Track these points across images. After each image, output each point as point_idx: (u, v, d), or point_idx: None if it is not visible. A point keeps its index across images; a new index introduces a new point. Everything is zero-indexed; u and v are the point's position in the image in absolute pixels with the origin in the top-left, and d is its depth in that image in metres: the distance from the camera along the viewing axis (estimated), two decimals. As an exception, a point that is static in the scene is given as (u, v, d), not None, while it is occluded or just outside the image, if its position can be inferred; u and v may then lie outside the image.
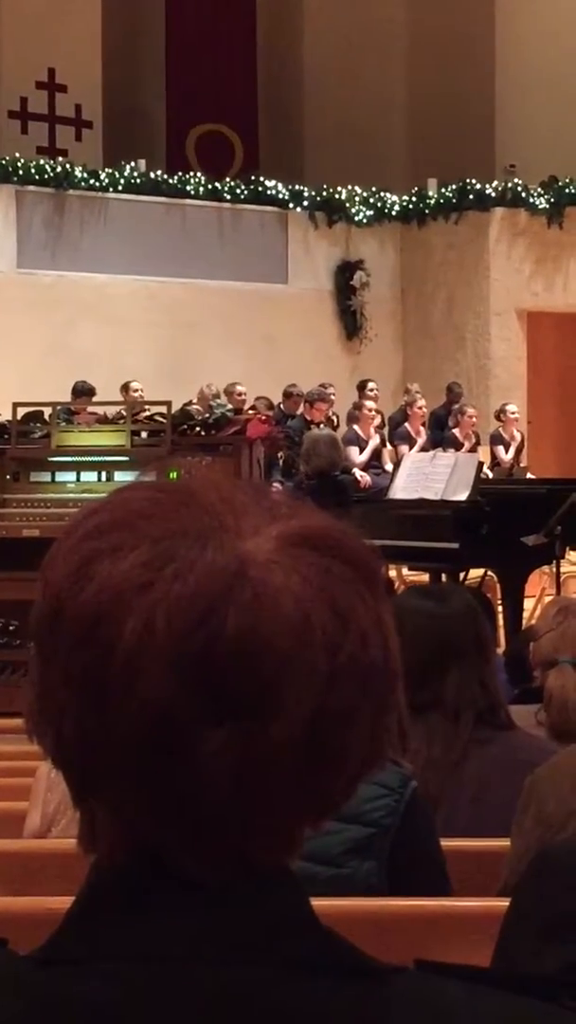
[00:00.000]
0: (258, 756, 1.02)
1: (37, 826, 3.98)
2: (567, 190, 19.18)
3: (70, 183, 17.68)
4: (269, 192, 19.12)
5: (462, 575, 10.38)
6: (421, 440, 16.31)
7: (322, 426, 15.30)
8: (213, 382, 15.43)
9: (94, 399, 14.59)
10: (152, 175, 18.39)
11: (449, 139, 20.14)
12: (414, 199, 19.86)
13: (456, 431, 16.64)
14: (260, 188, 19.08)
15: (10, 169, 17.44)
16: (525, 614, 9.62)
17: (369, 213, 19.74)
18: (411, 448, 15.63)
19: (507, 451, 16.87)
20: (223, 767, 1.02)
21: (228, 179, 19.07)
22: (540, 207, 19.20)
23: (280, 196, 19.18)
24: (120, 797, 1.05)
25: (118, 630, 1.02)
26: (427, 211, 19.78)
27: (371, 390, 16.90)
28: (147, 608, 1.02)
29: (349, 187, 19.54)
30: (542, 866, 1.82)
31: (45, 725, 1.08)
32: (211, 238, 18.60)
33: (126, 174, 18.12)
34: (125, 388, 15.30)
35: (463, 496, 10.16)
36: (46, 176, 17.57)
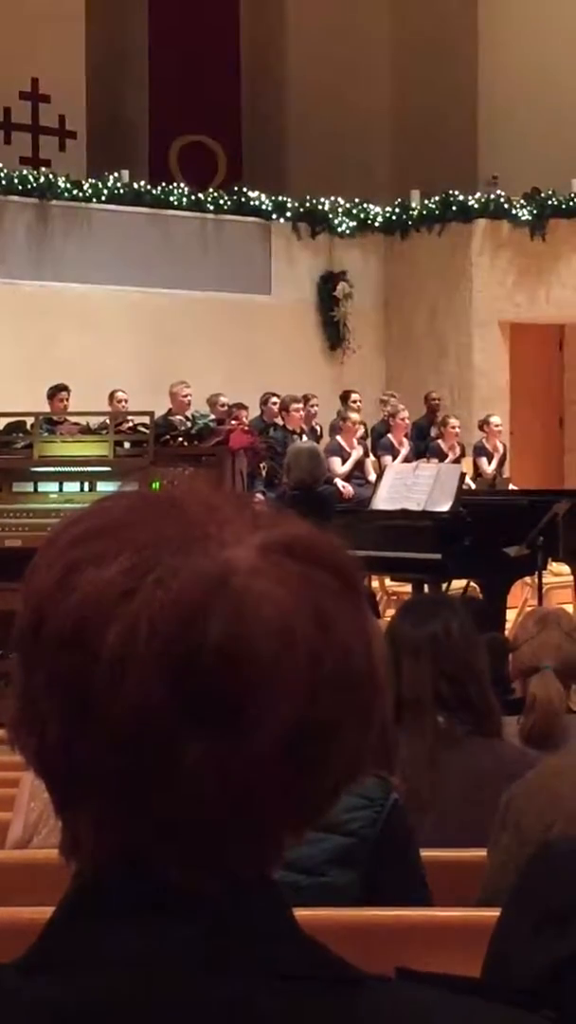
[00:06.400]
0: (240, 763, 1.02)
1: (19, 835, 3.97)
2: (550, 202, 19.22)
3: (53, 193, 17.67)
4: (252, 203, 19.14)
5: (444, 586, 10.39)
6: (404, 451, 16.33)
7: (304, 436, 15.32)
8: (182, 381, 15.44)
9: (69, 399, 14.68)
10: (135, 186, 18.39)
11: (432, 151, 20.17)
12: (397, 210, 19.90)
13: (440, 442, 16.68)
14: (243, 199, 19.10)
15: (-7, 179, 17.47)
16: (507, 625, 9.64)
17: (352, 224, 19.77)
18: (394, 459, 15.65)
19: (490, 462, 16.89)
20: (205, 774, 1.02)
21: (211, 190, 19.08)
22: (523, 219, 19.24)
23: (263, 207, 19.19)
24: (102, 806, 1.05)
25: (101, 637, 1.02)
26: (410, 222, 19.81)
27: (354, 401, 16.91)
28: (130, 615, 1.02)
29: (332, 198, 19.57)
30: (543, 861, 1.82)
31: (28, 734, 1.08)
32: (194, 249, 18.61)
33: (109, 185, 18.12)
34: (111, 397, 15.32)
35: (445, 507, 10.18)
36: (29, 186, 17.56)
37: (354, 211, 19.77)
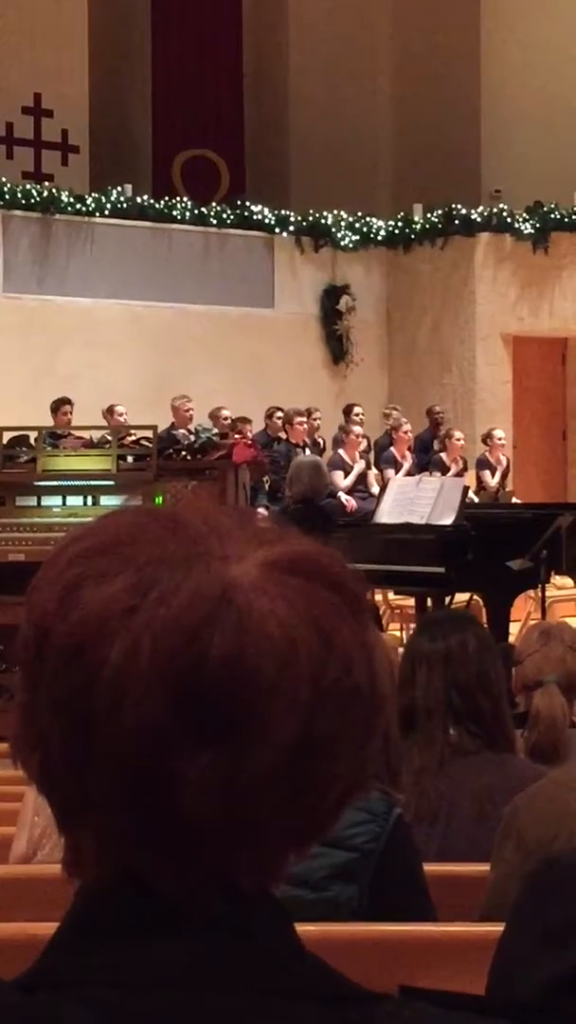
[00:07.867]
0: (242, 780, 1.02)
1: (23, 850, 3.96)
2: (552, 215, 19.24)
3: (56, 208, 17.68)
4: (255, 217, 19.15)
5: (448, 599, 10.38)
6: (407, 464, 16.33)
7: (307, 450, 15.32)
8: (183, 395, 15.47)
9: (72, 411, 14.70)
10: (138, 200, 18.40)
11: (435, 164, 20.21)
12: (400, 224, 19.91)
13: (443, 455, 16.68)
14: (246, 213, 19.11)
15: (-4, 194, 17.49)
16: (511, 638, 9.63)
17: (355, 238, 19.77)
18: (397, 472, 15.65)
19: (493, 475, 16.89)
20: (207, 791, 1.02)
21: (214, 204, 19.09)
22: (525, 232, 19.25)
23: (266, 221, 19.20)
24: (105, 821, 1.05)
25: (104, 654, 1.02)
26: (413, 236, 19.82)
27: (357, 414, 16.92)
28: (132, 632, 1.02)
29: (335, 212, 19.58)
30: (546, 875, 1.82)
31: (30, 750, 1.08)
32: (197, 263, 18.62)
33: (112, 199, 18.13)
34: (109, 412, 15.30)
35: (449, 520, 10.16)
36: (32, 201, 17.57)
37: (357, 225, 19.79)
